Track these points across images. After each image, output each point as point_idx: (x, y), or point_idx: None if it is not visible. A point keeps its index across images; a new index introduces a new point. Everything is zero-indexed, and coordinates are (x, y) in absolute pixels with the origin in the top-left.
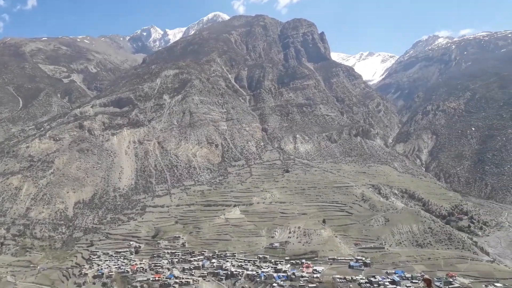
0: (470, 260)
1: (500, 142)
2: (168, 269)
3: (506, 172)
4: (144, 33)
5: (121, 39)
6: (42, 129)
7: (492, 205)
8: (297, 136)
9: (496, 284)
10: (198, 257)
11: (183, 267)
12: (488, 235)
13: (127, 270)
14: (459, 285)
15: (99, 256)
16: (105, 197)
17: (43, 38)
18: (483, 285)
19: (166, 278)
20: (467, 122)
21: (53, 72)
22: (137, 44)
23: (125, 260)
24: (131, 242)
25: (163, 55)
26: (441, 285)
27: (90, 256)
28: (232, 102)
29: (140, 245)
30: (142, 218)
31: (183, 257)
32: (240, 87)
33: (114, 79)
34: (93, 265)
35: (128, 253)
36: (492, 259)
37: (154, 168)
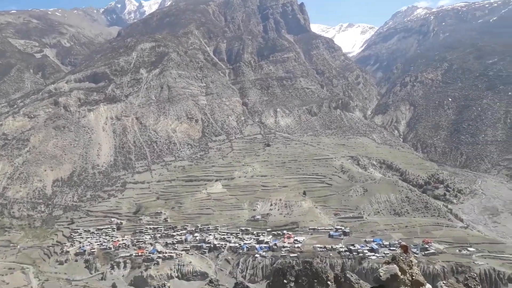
0: (445, 226)
1: (475, 112)
2: (151, 244)
3: (480, 142)
4: (119, 5)
5: (95, 11)
6: (15, 106)
7: (466, 173)
8: (278, 109)
9: (469, 248)
10: (181, 232)
11: (166, 242)
12: (462, 203)
13: (109, 247)
14: (434, 250)
15: (80, 234)
16: (84, 175)
17: (12, 11)
18: (457, 250)
19: (149, 253)
20: (444, 93)
21: (24, 47)
22: (112, 16)
23: (107, 237)
24: (113, 219)
25: (139, 27)
26: (417, 251)
27: (71, 234)
28: (211, 76)
29: (122, 221)
30: (123, 195)
31: (165, 232)
32: (219, 60)
33: (89, 54)
34: (74, 243)
35: (109, 229)
36: (466, 225)
37: (133, 145)
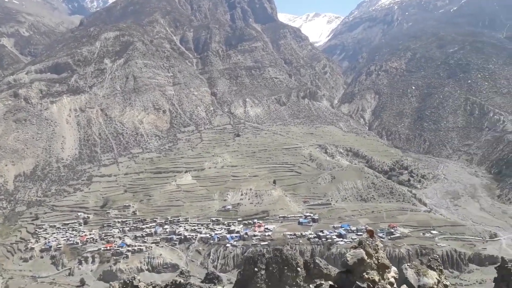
0: (410, 211)
1: (438, 99)
2: (120, 238)
3: (442, 128)
4: None
5: None
6: None
7: (429, 159)
8: (247, 99)
9: (432, 231)
10: (150, 224)
11: (135, 235)
12: (426, 188)
13: (76, 242)
14: (399, 234)
15: (45, 229)
16: (47, 169)
17: None
18: (421, 233)
19: (118, 247)
20: (407, 81)
21: None
22: (73, 5)
23: (74, 232)
24: (79, 213)
25: (102, 16)
26: (383, 236)
27: (36, 230)
28: (178, 65)
29: (89, 215)
30: (89, 189)
31: (134, 225)
32: (186, 50)
33: (50, 43)
34: (39, 239)
35: (76, 224)
36: (429, 209)
37: (99, 137)
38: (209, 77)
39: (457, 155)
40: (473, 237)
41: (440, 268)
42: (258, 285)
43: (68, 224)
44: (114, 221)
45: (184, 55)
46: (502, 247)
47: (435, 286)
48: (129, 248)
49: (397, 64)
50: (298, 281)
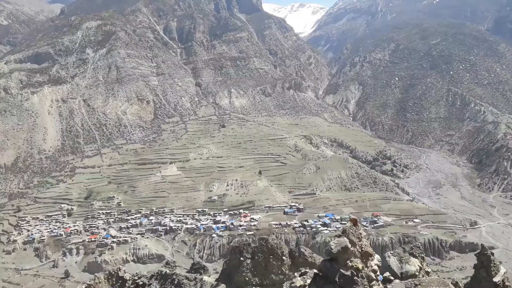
0: (393, 200)
1: (420, 90)
2: (104, 229)
3: (425, 119)
4: None
5: None
6: None
7: (412, 149)
8: (232, 90)
9: (415, 220)
10: (135, 216)
11: (120, 226)
12: (408, 177)
13: (60, 233)
14: (383, 223)
15: (28, 222)
16: (29, 160)
17: None
18: (404, 222)
19: (103, 238)
20: (391, 72)
21: None
22: None
23: (58, 224)
24: (63, 205)
25: (83, 5)
26: (367, 224)
27: (18, 222)
28: (162, 55)
29: (72, 207)
30: (72, 180)
31: (119, 216)
32: (170, 40)
33: (30, 32)
34: (22, 231)
35: (60, 216)
36: (411, 198)
37: (81, 128)
38: (194, 68)
39: (439, 145)
40: (454, 225)
41: (422, 255)
42: (244, 274)
43: (52, 216)
44: (99, 212)
45: (168, 45)
46: (482, 234)
47: (417, 273)
48: (114, 240)
49: (381, 56)
50: (284, 269)
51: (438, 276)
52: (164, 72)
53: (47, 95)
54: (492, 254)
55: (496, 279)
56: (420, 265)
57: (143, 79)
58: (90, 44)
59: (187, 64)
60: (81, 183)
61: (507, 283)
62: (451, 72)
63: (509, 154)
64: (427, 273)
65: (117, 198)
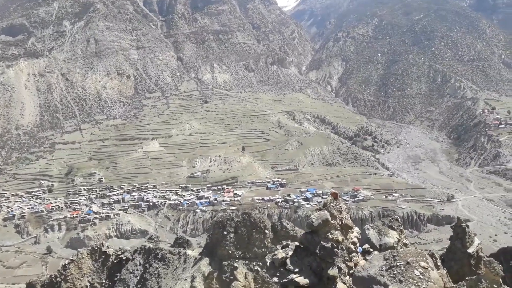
0: (373, 175)
1: (402, 67)
2: (86, 205)
3: (406, 95)
4: None
5: None
6: None
7: (393, 125)
8: (215, 65)
9: (394, 194)
10: (118, 192)
11: (102, 202)
12: (388, 152)
13: (41, 210)
14: (363, 197)
15: (7, 198)
16: (7, 136)
17: None
18: (384, 196)
19: (85, 214)
20: (374, 48)
21: None
22: None
23: (38, 200)
24: (43, 181)
25: None
26: (348, 199)
27: None
28: (142, 28)
29: (53, 183)
30: (52, 156)
31: (101, 192)
32: (150, 12)
33: (3, 3)
34: (1, 208)
35: (40, 192)
36: (391, 173)
37: (60, 103)
38: (175, 41)
39: (420, 121)
40: (432, 199)
41: (401, 228)
42: (227, 247)
43: (32, 192)
44: (80, 188)
45: (148, 17)
46: (458, 208)
47: (395, 245)
48: (97, 215)
49: (364, 31)
50: (266, 242)
51: (416, 248)
52: (144, 46)
53: (23, 69)
54: (467, 226)
55: (470, 250)
56: (398, 237)
57: (122, 52)
58: (67, 16)
59: (168, 38)
60: (61, 159)
61: (480, 254)
62: (433, 49)
63: (486, 130)
64: (405, 245)
65: (99, 174)
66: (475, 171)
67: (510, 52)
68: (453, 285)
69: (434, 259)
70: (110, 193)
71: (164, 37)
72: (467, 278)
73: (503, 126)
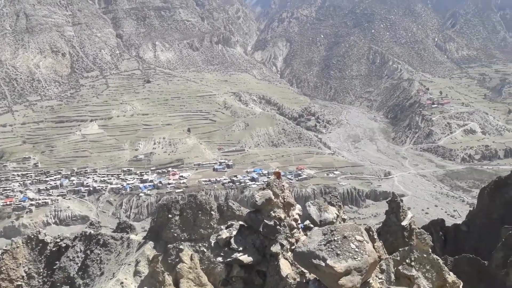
0: (316, 154)
1: (344, 48)
2: (21, 191)
3: (347, 76)
4: None
5: None
6: None
7: (334, 105)
8: (157, 43)
9: (335, 172)
10: (55, 177)
11: (39, 188)
12: (330, 132)
13: None
14: (306, 175)
15: None
16: None
17: None
18: (325, 174)
19: (20, 201)
20: (317, 29)
21: None
22: None
23: None
24: None
25: None
26: (292, 177)
27: None
28: (78, 3)
29: None
30: None
31: (37, 178)
32: None
33: None
34: None
35: None
36: (332, 152)
37: None
38: (114, 17)
39: (359, 101)
40: (370, 176)
41: (339, 204)
42: (172, 230)
43: None
44: (13, 174)
45: None
46: (394, 183)
47: (335, 220)
48: (33, 202)
49: (307, 12)
50: (212, 223)
51: (355, 222)
52: (80, 22)
53: None
54: (401, 201)
55: (404, 223)
56: (337, 213)
57: (57, 29)
58: None
59: (106, 14)
60: None
61: (413, 226)
62: (373, 31)
63: (420, 109)
64: (344, 220)
65: (34, 158)
66: (410, 149)
67: (442, 36)
68: (388, 256)
69: (371, 232)
70: (47, 179)
71: (102, 13)
72: (400, 249)
73: (436, 106)
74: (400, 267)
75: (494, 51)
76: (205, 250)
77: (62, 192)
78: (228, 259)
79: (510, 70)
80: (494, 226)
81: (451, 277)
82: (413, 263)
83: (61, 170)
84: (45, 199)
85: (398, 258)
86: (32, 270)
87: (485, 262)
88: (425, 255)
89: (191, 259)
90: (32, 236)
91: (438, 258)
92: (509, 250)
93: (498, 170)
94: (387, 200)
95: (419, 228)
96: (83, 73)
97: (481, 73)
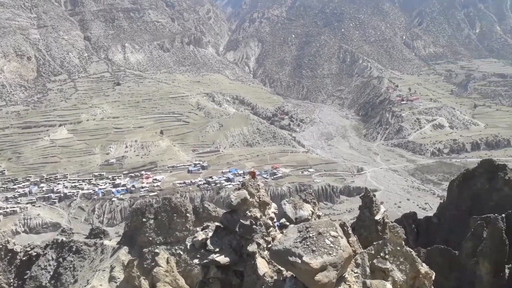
0: (290, 153)
1: (315, 48)
2: None
3: (318, 75)
4: None
5: None
6: None
7: (307, 104)
8: (126, 45)
9: (309, 169)
10: (23, 184)
11: (6, 196)
12: (304, 131)
13: None
14: (281, 174)
15: None
16: None
17: None
18: (300, 172)
19: None
20: (288, 29)
21: None
22: None
23: None
24: None
25: None
26: (267, 176)
27: None
28: (43, 5)
29: None
30: None
31: (4, 186)
32: None
33: None
34: None
35: None
36: (307, 150)
37: None
38: (81, 19)
39: (331, 99)
40: (343, 172)
41: (314, 201)
42: (147, 234)
43: None
44: None
45: None
46: (367, 179)
47: (310, 217)
48: (0, 211)
49: (278, 12)
50: (188, 226)
51: (330, 218)
52: (46, 25)
53: None
54: (374, 196)
55: (377, 217)
56: (312, 209)
57: (21, 32)
58: None
59: (73, 16)
60: None
61: (386, 220)
62: (343, 30)
63: (390, 106)
64: (319, 216)
65: (0, 166)
66: (381, 145)
67: (410, 34)
68: (362, 250)
69: (345, 227)
70: (15, 186)
71: (68, 15)
72: (374, 243)
73: (405, 102)
74: (374, 261)
75: (459, 48)
76: (181, 252)
77: (32, 200)
78: (205, 261)
79: (474, 66)
80: (463, 218)
81: (424, 268)
82: (387, 256)
83: (30, 177)
84: (14, 207)
85: (373, 252)
86: (2, 281)
87: (456, 252)
88: (398, 248)
89: (168, 262)
90: (1, 246)
91: (411, 250)
92: (478, 240)
93: (466, 163)
94: (361, 195)
95: (392, 222)
96: (50, 77)
97: (447, 69)
